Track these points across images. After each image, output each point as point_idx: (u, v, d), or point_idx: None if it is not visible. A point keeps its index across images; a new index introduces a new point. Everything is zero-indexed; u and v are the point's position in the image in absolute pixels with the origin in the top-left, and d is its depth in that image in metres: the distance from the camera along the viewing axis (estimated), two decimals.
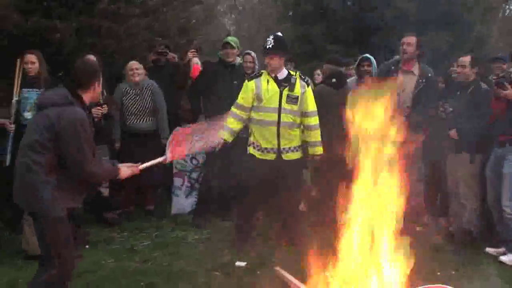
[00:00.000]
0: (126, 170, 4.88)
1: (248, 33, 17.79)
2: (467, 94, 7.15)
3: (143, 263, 6.67)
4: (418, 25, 11.58)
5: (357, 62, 8.62)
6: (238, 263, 6.52)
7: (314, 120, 7.02)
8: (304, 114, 7.00)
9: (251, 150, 7.03)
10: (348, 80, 8.80)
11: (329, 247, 4.92)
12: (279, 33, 7.18)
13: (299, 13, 17.03)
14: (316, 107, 7.07)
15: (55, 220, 4.35)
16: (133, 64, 8.43)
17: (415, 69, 7.74)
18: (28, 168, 4.32)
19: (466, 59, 7.21)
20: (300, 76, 7.10)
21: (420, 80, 7.70)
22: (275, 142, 6.87)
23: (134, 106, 8.37)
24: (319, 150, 7.11)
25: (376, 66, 8.47)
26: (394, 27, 12.76)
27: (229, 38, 8.57)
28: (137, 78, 8.34)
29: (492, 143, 7.08)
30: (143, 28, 10.38)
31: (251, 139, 7.06)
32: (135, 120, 8.41)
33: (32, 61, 7.28)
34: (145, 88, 8.47)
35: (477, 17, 16.47)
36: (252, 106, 6.93)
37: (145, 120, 8.50)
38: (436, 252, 6.77)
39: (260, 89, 6.88)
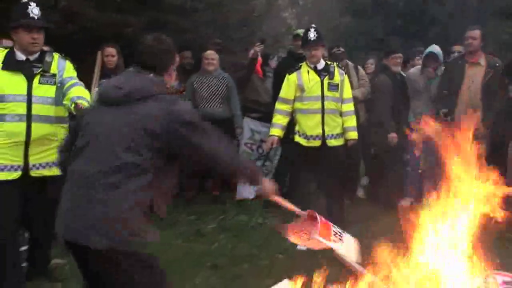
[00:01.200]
0: (268, 184, 3.93)
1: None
2: None
3: (209, 245, 6.89)
4: (478, 17, 11.76)
5: (423, 55, 8.79)
6: (299, 247, 6.49)
7: (350, 107, 7.28)
8: (342, 101, 7.26)
9: (296, 138, 7.23)
10: (411, 70, 9.15)
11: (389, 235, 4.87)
12: (315, 26, 7.40)
13: (357, 7, 17.27)
14: (351, 95, 7.39)
15: (144, 261, 3.32)
16: (210, 53, 8.70)
17: (481, 60, 7.84)
18: (110, 187, 3.13)
19: None
20: (337, 65, 7.38)
21: (488, 70, 7.79)
22: (320, 129, 7.08)
23: (206, 92, 8.58)
24: (354, 135, 7.28)
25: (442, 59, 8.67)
26: (453, 19, 12.86)
27: (299, 31, 8.66)
28: (211, 68, 8.61)
29: None
30: (206, 21, 10.78)
31: (296, 128, 7.26)
32: (207, 105, 8.60)
33: (112, 54, 7.74)
34: (218, 78, 8.69)
35: None
36: (295, 97, 7.16)
37: (216, 106, 8.68)
38: None
39: (302, 80, 7.12)
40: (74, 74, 5.00)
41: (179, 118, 3.18)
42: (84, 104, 4.56)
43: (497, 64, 7.88)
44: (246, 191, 8.96)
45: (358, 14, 16.81)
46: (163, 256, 6.17)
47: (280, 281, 5.25)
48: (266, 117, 8.22)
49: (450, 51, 9.24)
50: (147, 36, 3.55)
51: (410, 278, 4.65)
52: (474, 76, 7.88)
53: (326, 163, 7.17)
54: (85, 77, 7.52)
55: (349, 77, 8.25)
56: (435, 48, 8.75)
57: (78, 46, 8.65)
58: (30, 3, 4.70)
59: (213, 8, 11.09)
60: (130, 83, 3.29)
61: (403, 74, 9.05)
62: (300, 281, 5.08)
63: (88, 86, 7.31)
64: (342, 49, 9.36)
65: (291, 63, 7.90)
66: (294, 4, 24.42)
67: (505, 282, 5.13)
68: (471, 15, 11.97)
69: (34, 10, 4.67)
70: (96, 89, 7.49)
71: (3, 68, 4.66)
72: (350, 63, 9.25)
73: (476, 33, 7.86)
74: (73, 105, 4.56)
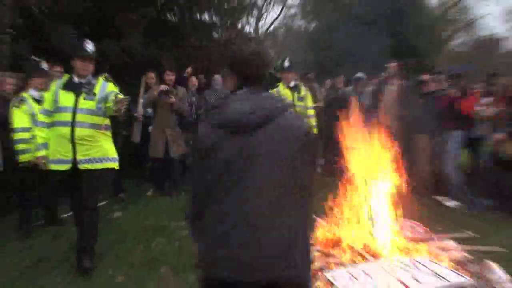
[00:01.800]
0: None
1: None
2: None
3: None
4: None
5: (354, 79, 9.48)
6: None
7: (312, 111, 7.90)
8: (305, 108, 7.76)
9: None
10: (347, 88, 9.67)
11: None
12: (288, 58, 7.94)
13: (315, 47, 17.80)
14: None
15: None
16: (218, 77, 9.13)
17: (395, 81, 8.33)
18: (286, 215, 2.21)
19: None
20: (302, 84, 8.04)
21: (401, 88, 8.26)
22: None
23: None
24: (315, 130, 7.70)
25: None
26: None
27: (278, 62, 8.81)
28: (217, 87, 9.05)
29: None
30: (218, 55, 10.95)
31: None
32: None
33: (152, 77, 8.07)
34: (223, 93, 8.89)
35: None
36: None
37: None
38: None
39: (280, 94, 7.41)
40: (115, 89, 4.81)
41: (307, 132, 2.30)
42: (120, 96, 4.53)
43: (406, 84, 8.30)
44: None
45: (314, 51, 17.24)
46: None
47: None
48: None
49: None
50: (258, 55, 2.39)
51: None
52: (391, 92, 8.27)
53: None
54: (134, 89, 7.82)
55: (315, 92, 8.94)
56: (361, 74, 9.42)
57: (131, 71, 8.92)
58: (86, 40, 4.66)
59: (221, 46, 11.35)
60: (259, 106, 2.25)
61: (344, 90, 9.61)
62: None
63: (136, 98, 7.79)
64: (312, 75, 9.99)
65: (273, 83, 8.38)
66: (275, 45, 25.08)
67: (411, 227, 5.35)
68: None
69: (89, 46, 4.65)
70: (142, 100, 7.82)
71: (62, 88, 4.65)
72: (316, 84, 9.83)
73: (393, 64, 8.40)
74: (113, 98, 4.51)
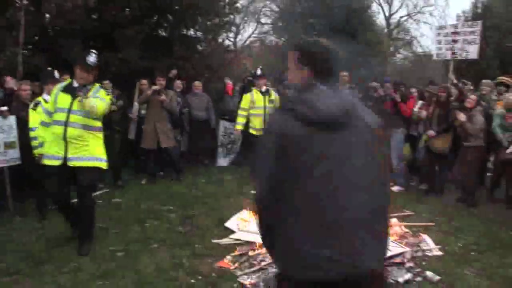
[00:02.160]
0: None
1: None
2: None
3: (201, 191, 7.06)
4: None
5: None
6: (252, 191, 7.02)
7: None
8: None
9: (251, 130, 7.76)
10: None
11: None
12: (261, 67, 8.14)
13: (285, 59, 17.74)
14: None
15: None
16: (198, 83, 9.08)
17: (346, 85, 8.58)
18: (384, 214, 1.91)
19: None
20: (273, 89, 8.05)
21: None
22: (263, 125, 7.23)
23: (196, 104, 8.87)
24: None
25: None
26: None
27: (253, 71, 9.13)
28: (197, 91, 8.99)
29: None
30: (200, 63, 11.05)
31: (251, 124, 7.74)
32: (195, 112, 8.83)
33: (145, 83, 7.92)
34: (202, 96, 9.03)
35: None
36: (250, 107, 7.68)
37: (201, 112, 8.91)
38: None
39: (253, 98, 7.68)
40: (103, 94, 4.55)
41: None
42: (81, 97, 4.32)
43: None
44: (222, 160, 9.37)
45: (283, 61, 17.32)
46: (177, 196, 6.55)
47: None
48: (233, 119, 8.54)
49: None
50: (332, 50, 1.98)
51: None
52: None
53: None
54: (130, 94, 7.97)
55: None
56: None
57: (127, 78, 8.89)
58: (91, 52, 4.47)
59: (203, 57, 11.39)
60: (347, 102, 1.86)
61: None
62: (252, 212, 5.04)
63: (131, 101, 7.87)
64: (287, 81, 9.97)
65: (248, 88, 8.46)
66: (251, 56, 25.09)
67: None
68: None
69: (90, 58, 4.43)
70: (136, 103, 7.83)
71: (62, 91, 4.49)
72: (289, 89, 9.76)
73: (345, 74, 8.36)
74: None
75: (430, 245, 4.67)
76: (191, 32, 12.06)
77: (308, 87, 1.90)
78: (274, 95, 7.89)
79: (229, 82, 9.73)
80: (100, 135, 4.67)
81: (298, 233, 1.79)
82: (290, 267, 1.84)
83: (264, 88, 7.82)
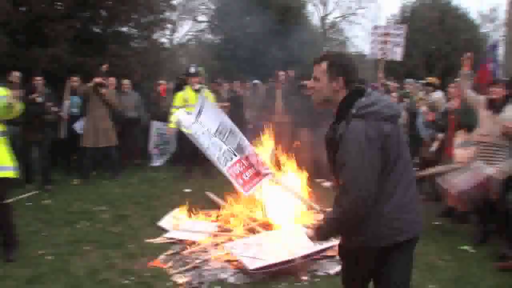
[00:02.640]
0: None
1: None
2: None
3: (134, 191, 6.99)
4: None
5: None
6: (186, 190, 7.01)
7: None
8: None
9: (183, 128, 7.80)
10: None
11: None
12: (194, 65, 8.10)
13: (219, 56, 17.86)
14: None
15: None
16: (126, 81, 8.90)
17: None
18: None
19: None
20: (205, 87, 7.99)
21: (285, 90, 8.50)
22: None
23: (129, 103, 8.72)
24: None
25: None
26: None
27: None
28: (126, 89, 8.81)
29: None
30: (133, 60, 10.74)
31: None
32: (126, 111, 8.61)
33: (76, 81, 7.81)
34: (132, 94, 8.91)
35: None
36: (183, 105, 7.49)
37: (131, 111, 8.77)
38: None
39: (187, 96, 7.64)
40: (4, 93, 4.10)
41: None
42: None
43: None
44: (156, 161, 9.28)
45: (220, 61, 17.30)
46: (110, 196, 6.43)
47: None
48: (165, 118, 8.51)
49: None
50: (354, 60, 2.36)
51: None
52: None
53: None
54: (60, 92, 7.73)
55: (222, 95, 8.91)
56: (257, 80, 9.53)
57: (56, 75, 8.64)
58: None
59: (137, 55, 11.13)
60: (392, 102, 2.37)
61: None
62: (185, 210, 5.41)
63: (62, 99, 7.63)
64: (221, 80, 9.95)
65: (181, 86, 8.37)
66: (187, 54, 24.95)
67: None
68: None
69: None
70: (67, 101, 7.63)
71: None
72: (223, 88, 9.62)
73: (281, 73, 8.61)
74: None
75: None
76: (125, 28, 11.80)
77: (362, 93, 2.25)
78: (206, 93, 7.83)
79: (162, 83, 9.62)
80: (3, 139, 4.23)
81: (389, 207, 2.20)
82: (374, 237, 2.23)
83: (197, 86, 7.78)
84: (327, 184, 7.36)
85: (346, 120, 2.19)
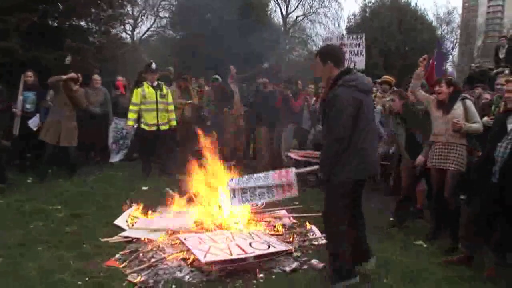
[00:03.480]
0: None
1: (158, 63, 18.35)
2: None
3: (91, 189, 6.84)
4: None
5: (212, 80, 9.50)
6: (143, 187, 6.96)
7: (171, 107, 7.76)
8: (169, 104, 7.73)
9: (142, 125, 7.57)
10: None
11: None
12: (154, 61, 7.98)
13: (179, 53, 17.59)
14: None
15: None
16: (96, 77, 8.78)
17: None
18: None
19: None
20: (164, 83, 7.87)
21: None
22: (155, 120, 7.52)
23: (95, 98, 8.57)
24: (175, 123, 7.84)
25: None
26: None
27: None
28: (97, 85, 8.71)
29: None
30: (91, 55, 10.65)
31: (142, 119, 7.55)
32: (91, 107, 8.44)
33: (30, 76, 7.56)
34: (100, 90, 8.76)
35: None
36: (141, 102, 7.49)
37: (98, 106, 8.63)
38: None
39: (145, 92, 7.52)
40: None
41: None
42: None
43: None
44: (114, 157, 9.15)
45: (181, 57, 17.18)
46: (65, 194, 6.31)
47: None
48: (124, 114, 8.38)
49: None
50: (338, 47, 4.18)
51: None
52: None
53: (160, 141, 7.64)
54: (14, 88, 7.53)
55: (190, 91, 8.87)
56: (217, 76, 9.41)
57: (10, 70, 8.45)
58: None
59: (95, 49, 10.92)
60: (367, 81, 3.70)
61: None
62: (142, 208, 5.42)
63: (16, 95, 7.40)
64: (187, 76, 9.72)
65: (140, 82, 8.21)
66: (149, 50, 24.64)
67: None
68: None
69: None
70: (21, 97, 7.40)
71: None
72: (190, 84, 9.41)
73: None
74: None
75: (316, 234, 4.90)
76: (83, 23, 11.51)
77: (348, 72, 3.47)
78: (165, 90, 7.78)
79: (120, 79, 9.45)
80: None
81: (364, 149, 3.38)
82: (356, 171, 3.40)
83: (156, 83, 7.68)
84: None
85: (335, 87, 3.36)
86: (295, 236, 4.81)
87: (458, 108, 4.71)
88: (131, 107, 7.60)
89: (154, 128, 7.58)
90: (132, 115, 7.59)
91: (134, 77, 9.94)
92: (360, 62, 8.92)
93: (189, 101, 8.67)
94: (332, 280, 3.63)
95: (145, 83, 7.68)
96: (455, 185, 4.66)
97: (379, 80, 8.60)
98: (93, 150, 9.12)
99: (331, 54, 3.56)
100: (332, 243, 3.63)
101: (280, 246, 4.32)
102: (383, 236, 5.06)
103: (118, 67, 11.48)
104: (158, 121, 7.58)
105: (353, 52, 8.99)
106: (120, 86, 9.27)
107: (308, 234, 4.93)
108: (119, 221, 5.19)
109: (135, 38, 27.26)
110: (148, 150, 7.79)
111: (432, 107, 4.95)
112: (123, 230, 4.95)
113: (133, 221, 5.15)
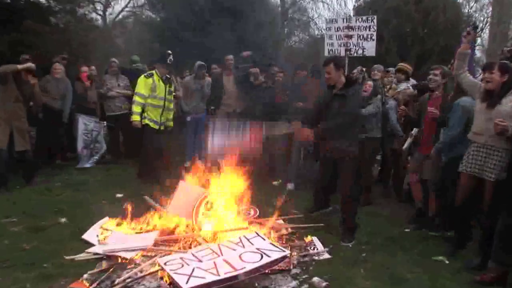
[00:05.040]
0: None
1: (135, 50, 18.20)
2: None
3: (55, 197, 6.80)
4: None
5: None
6: (118, 195, 6.90)
7: (172, 105, 7.89)
8: (171, 101, 7.81)
9: (146, 121, 7.55)
10: (187, 78, 9.30)
11: None
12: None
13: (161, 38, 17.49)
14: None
15: None
16: (57, 65, 8.58)
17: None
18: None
19: None
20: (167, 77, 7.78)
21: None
22: (159, 118, 7.59)
23: (55, 91, 8.47)
24: (171, 124, 7.93)
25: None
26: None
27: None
28: (57, 75, 8.52)
29: None
30: (54, 41, 10.52)
31: (145, 114, 7.53)
32: (50, 101, 8.35)
33: None
34: (61, 81, 8.60)
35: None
36: (149, 95, 7.48)
37: (58, 101, 8.54)
38: None
39: (156, 84, 7.51)
40: None
41: None
42: None
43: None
44: (85, 163, 9.01)
45: (162, 42, 17.09)
46: (23, 204, 6.25)
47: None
48: (92, 111, 8.44)
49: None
50: None
51: None
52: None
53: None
54: None
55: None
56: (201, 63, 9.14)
57: None
58: None
59: (59, 32, 10.82)
60: None
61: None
62: (115, 220, 5.43)
63: None
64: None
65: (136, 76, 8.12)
66: (124, 34, 24.55)
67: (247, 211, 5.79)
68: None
69: None
70: None
71: None
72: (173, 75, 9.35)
73: (229, 57, 8.80)
74: None
75: (318, 248, 4.91)
76: (43, 0, 11.42)
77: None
78: (173, 85, 7.92)
79: (84, 70, 9.31)
80: None
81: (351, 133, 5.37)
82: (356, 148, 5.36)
83: (165, 76, 7.72)
84: (289, 186, 7.61)
85: (353, 87, 5.37)
86: (293, 250, 4.80)
87: (507, 103, 4.37)
88: (137, 98, 7.54)
89: (157, 127, 7.67)
90: (138, 109, 7.55)
91: (105, 66, 9.97)
92: (370, 48, 8.93)
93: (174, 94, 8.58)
94: None
95: (155, 74, 7.66)
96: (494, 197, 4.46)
97: (391, 69, 8.60)
98: (56, 152, 9.06)
99: (341, 62, 5.70)
100: None
101: (274, 253, 4.30)
102: (395, 249, 5.10)
103: (87, 54, 11.35)
104: (161, 119, 7.68)
105: (361, 37, 8.99)
106: (83, 76, 9.14)
107: (309, 247, 4.93)
108: (88, 235, 5.16)
109: (107, 20, 27.16)
110: (154, 150, 7.72)
111: (476, 96, 4.70)
112: (93, 245, 4.92)
113: (105, 235, 5.11)
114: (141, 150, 7.84)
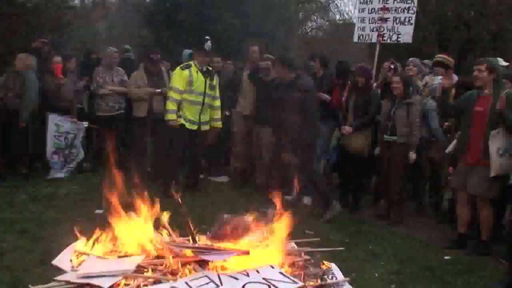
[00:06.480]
0: None
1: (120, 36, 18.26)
2: None
3: (19, 214, 6.76)
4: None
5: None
6: (97, 211, 6.73)
7: (218, 102, 8.01)
8: (214, 98, 7.93)
9: (181, 121, 7.64)
10: None
11: None
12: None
13: (152, 22, 17.52)
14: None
15: None
16: (23, 55, 8.49)
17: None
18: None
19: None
20: (208, 69, 7.91)
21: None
22: (198, 116, 7.68)
23: (13, 85, 8.36)
24: (219, 124, 8.11)
25: None
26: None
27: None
28: (20, 67, 8.40)
29: None
30: (22, 24, 10.57)
31: (181, 113, 7.63)
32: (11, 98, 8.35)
33: None
34: (25, 74, 8.37)
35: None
36: (185, 89, 7.56)
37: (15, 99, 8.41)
38: None
39: (193, 77, 7.59)
40: None
41: None
42: None
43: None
44: (58, 173, 8.95)
45: (152, 28, 17.14)
46: None
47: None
48: (66, 110, 8.45)
49: None
50: None
51: None
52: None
53: (195, 145, 7.91)
54: None
55: (163, 76, 8.84)
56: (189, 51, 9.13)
57: None
58: None
59: (28, 14, 10.88)
60: None
61: None
62: (93, 241, 5.30)
63: None
64: (157, 55, 9.72)
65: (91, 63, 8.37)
66: (106, 17, 24.64)
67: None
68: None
69: None
70: None
71: None
72: (163, 68, 9.30)
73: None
74: None
75: (338, 277, 4.87)
76: None
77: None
78: (216, 79, 7.98)
79: (57, 60, 9.19)
80: None
81: None
82: None
83: (205, 68, 7.81)
84: (305, 200, 7.68)
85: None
86: (307, 279, 4.75)
87: None
88: (172, 94, 7.66)
89: (195, 127, 7.75)
90: (174, 106, 7.66)
91: (81, 55, 10.02)
92: (406, 34, 8.87)
93: (159, 90, 8.53)
94: None
95: (193, 64, 7.76)
96: None
97: (427, 61, 8.57)
98: (20, 160, 8.94)
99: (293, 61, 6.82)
100: None
101: (285, 285, 4.28)
102: (435, 282, 5.05)
103: (61, 41, 11.39)
104: (200, 118, 7.74)
105: (398, 20, 8.91)
106: (56, 68, 9.06)
107: (326, 276, 4.88)
108: (59, 261, 5.14)
109: (86, 1, 27.32)
110: (180, 156, 7.88)
111: None
112: (64, 272, 4.88)
113: (79, 259, 5.10)
114: (170, 153, 7.98)
